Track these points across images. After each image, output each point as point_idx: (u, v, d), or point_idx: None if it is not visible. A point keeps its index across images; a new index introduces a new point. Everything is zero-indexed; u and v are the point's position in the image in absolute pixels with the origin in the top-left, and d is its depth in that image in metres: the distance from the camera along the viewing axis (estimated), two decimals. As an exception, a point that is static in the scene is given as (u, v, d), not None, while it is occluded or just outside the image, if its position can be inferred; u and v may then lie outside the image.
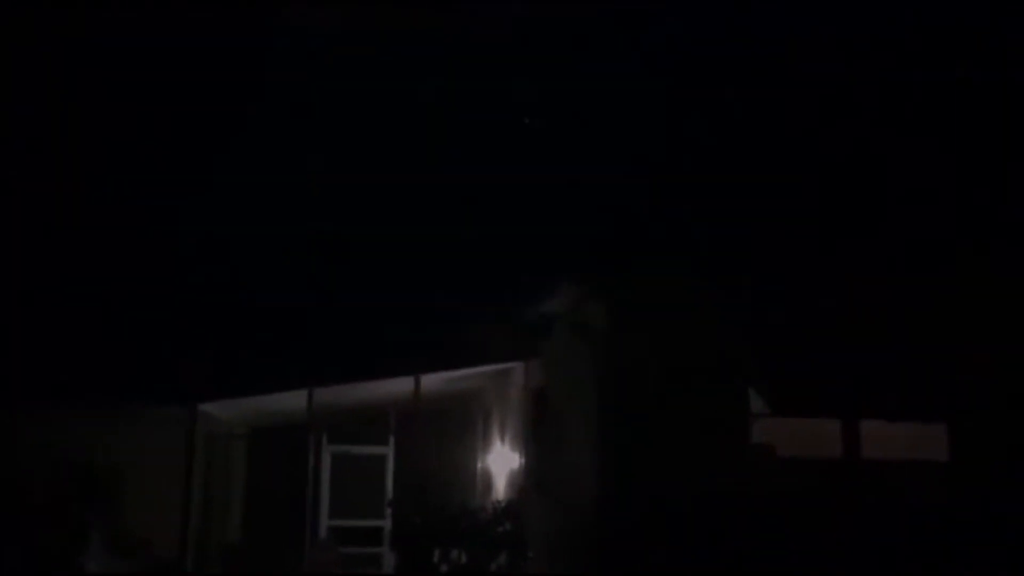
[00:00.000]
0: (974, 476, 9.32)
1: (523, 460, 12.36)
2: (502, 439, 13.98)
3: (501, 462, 13.77)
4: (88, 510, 10.31)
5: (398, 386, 13.56)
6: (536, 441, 11.70)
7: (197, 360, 11.41)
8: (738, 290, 9.47)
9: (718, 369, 9.27)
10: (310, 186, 11.85)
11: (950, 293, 9.85)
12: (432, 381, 13.55)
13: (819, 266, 9.80)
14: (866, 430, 9.50)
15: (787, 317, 9.65)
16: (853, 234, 9.85)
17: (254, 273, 11.55)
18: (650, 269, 9.48)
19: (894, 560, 9.05)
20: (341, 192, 11.88)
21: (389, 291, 12.09)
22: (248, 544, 14.70)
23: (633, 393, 9.14)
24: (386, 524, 18.27)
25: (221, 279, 11.71)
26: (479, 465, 15.86)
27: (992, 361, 9.71)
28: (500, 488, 13.51)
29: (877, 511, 9.10)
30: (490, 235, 11.29)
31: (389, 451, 18.57)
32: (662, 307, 9.39)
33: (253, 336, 11.52)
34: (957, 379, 9.65)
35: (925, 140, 10.79)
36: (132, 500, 11.39)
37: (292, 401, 12.79)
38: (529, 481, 11.83)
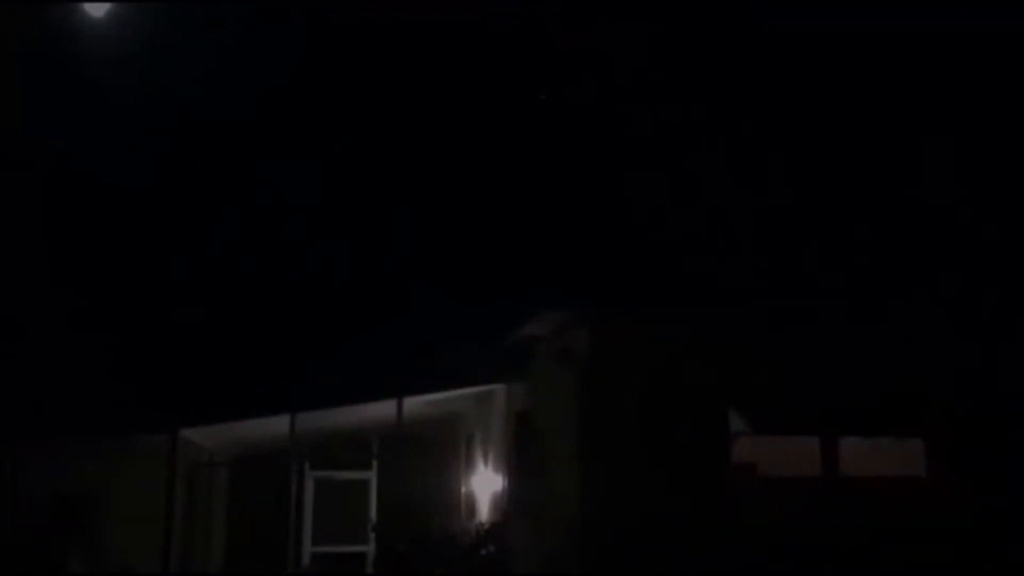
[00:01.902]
0: (951, 491, 9.43)
1: (506, 483, 12.38)
2: (485, 462, 13.99)
3: (484, 485, 13.78)
4: (69, 542, 10.24)
5: (380, 410, 13.56)
6: (519, 464, 11.72)
7: (178, 387, 11.38)
8: (716, 314, 9.59)
9: (699, 390, 9.35)
10: (292, 212, 11.90)
11: (925, 310, 10.01)
12: (414, 405, 13.57)
13: (795, 288, 9.94)
14: (844, 448, 9.59)
15: (764, 338, 9.76)
16: (829, 256, 9.99)
17: (233, 299, 11.54)
18: (631, 296, 9.58)
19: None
20: (323, 214, 11.92)
21: (371, 315, 12.12)
22: (230, 573, 14.62)
23: (616, 417, 9.20)
24: (369, 549, 18.23)
25: (200, 305, 11.70)
26: (463, 488, 15.85)
27: (968, 377, 9.86)
28: (484, 511, 13.50)
29: (857, 527, 9.18)
30: (473, 259, 11.35)
31: (372, 476, 18.54)
32: (643, 331, 9.48)
33: (234, 362, 11.49)
34: (934, 396, 9.78)
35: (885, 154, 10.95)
36: (113, 530, 11.31)
37: (274, 427, 12.77)
38: (512, 504, 11.84)
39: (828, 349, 9.80)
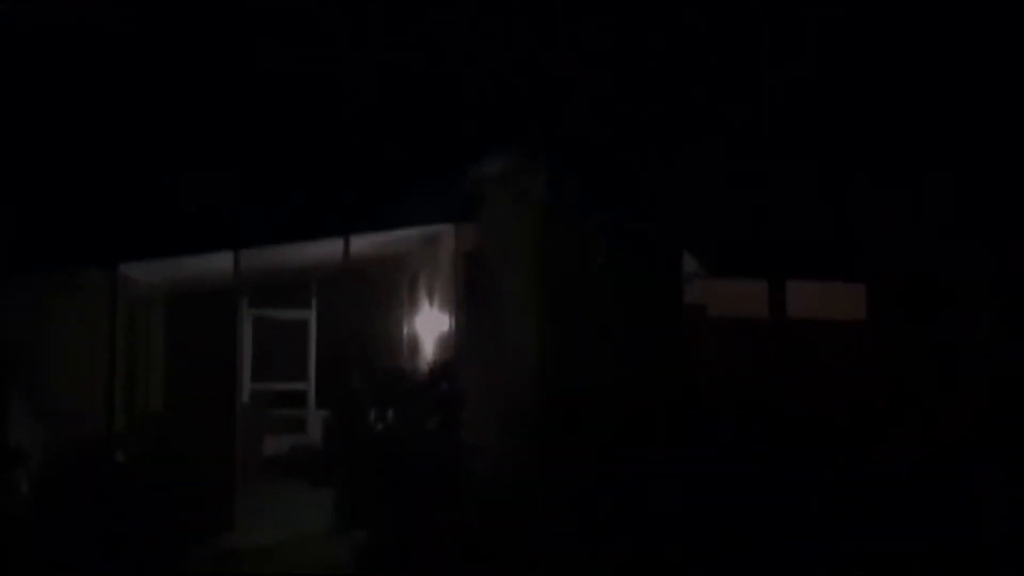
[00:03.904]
0: (892, 335, 9.79)
1: (454, 324, 12.45)
2: (431, 304, 14.02)
3: (430, 326, 13.86)
4: (6, 381, 9.97)
5: (322, 249, 13.38)
6: (469, 306, 11.76)
7: (118, 219, 10.93)
8: (673, 153, 9.50)
9: (655, 231, 9.38)
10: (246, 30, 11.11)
11: (876, 152, 10.07)
12: (357, 245, 13.40)
13: (751, 127, 9.85)
14: (792, 291, 9.83)
15: (718, 177, 9.76)
16: (788, 96, 9.86)
17: (177, 127, 10.92)
18: (591, 134, 9.40)
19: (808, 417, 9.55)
20: (282, 34, 11.17)
21: (318, 150, 11.69)
22: (172, 411, 14.60)
23: (572, 258, 9.21)
24: (309, 387, 18.44)
25: (142, 128, 11.05)
26: (405, 330, 15.96)
27: (912, 222, 10.05)
28: (428, 352, 13.63)
29: (802, 366, 9.53)
30: (426, 92, 10.90)
31: (312, 315, 18.55)
32: (601, 172, 9.38)
33: (177, 194, 11.01)
34: (878, 239, 9.98)
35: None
36: (52, 371, 11.07)
37: (216, 263, 12.50)
38: (461, 345, 11.94)
39: (779, 192, 9.86)
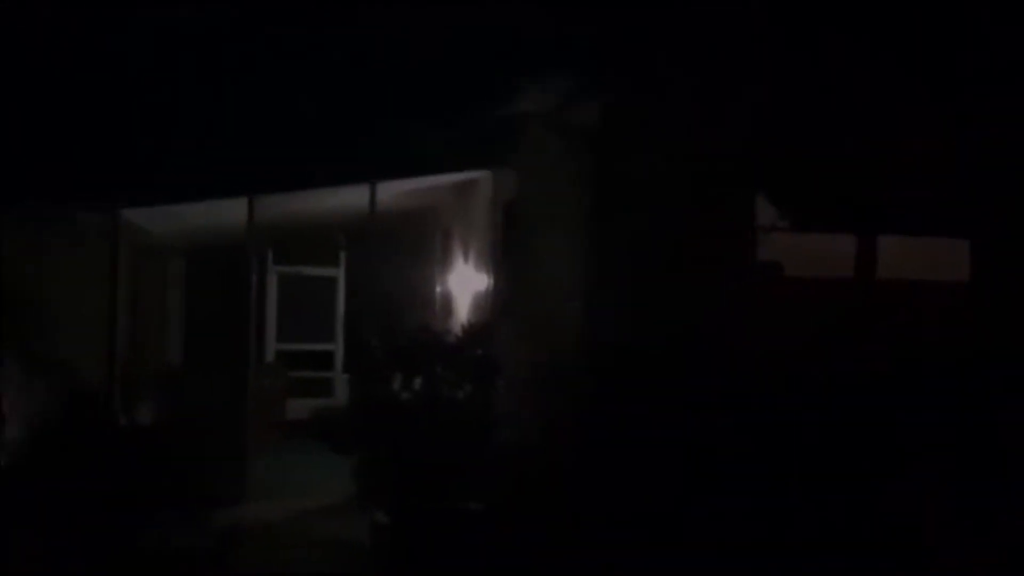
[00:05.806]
0: (995, 296, 8.44)
1: (491, 281, 11.29)
2: (465, 259, 12.88)
3: (465, 284, 12.72)
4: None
5: (348, 199, 12.32)
6: (506, 261, 10.59)
7: (120, 160, 9.88)
8: (751, 85, 8.15)
9: (726, 175, 8.07)
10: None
11: (983, 97, 8.65)
12: (386, 196, 12.31)
13: (846, 64, 8.45)
14: (883, 247, 8.47)
15: (801, 118, 8.40)
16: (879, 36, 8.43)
17: (191, 65, 9.75)
18: (650, 60, 8.08)
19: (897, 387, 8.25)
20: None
21: (341, 88, 10.49)
22: (187, 370, 13.66)
23: (627, 206, 7.93)
24: (337, 348, 17.48)
25: (152, 67, 9.91)
26: (438, 288, 14.87)
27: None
28: (463, 311, 12.51)
29: (890, 333, 8.22)
30: (460, 26, 9.64)
31: (339, 272, 17.60)
32: (665, 103, 8.08)
33: (186, 133, 9.90)
34: (983, 192, 8.59)
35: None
36: (49, 323, 10.09)
37: (232, 212, 11.46)
38: (498, 304, 10.80)
39: (869, 131, 8.46)
